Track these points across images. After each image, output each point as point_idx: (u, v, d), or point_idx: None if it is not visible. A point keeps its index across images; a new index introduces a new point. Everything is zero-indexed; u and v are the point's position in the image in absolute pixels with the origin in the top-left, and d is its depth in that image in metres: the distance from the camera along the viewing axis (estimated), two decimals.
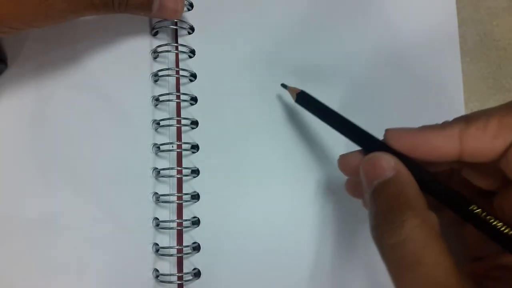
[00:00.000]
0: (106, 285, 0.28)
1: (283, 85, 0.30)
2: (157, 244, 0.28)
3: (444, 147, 0.21)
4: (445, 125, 0.22)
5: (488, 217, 0.20)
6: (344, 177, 0.26)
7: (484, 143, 0.21)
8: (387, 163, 0.21)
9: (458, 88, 0.33)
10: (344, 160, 0.25)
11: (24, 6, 0.23)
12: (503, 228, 0.20)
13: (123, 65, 0.29)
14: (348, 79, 0.32)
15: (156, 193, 0.29)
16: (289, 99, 0.30)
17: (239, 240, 0.29)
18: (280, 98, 0.31)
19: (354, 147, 0.25)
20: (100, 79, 0.29)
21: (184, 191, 0.29)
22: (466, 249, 0.24)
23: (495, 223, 0.20)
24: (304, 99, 0.28)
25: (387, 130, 0.23)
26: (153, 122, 0.29)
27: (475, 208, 0.21)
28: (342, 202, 0.30)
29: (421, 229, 0.19)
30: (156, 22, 0.30)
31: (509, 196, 0.22)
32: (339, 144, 0.29)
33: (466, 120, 0.21)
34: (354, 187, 0.26)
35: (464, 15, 0.34)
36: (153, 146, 0.29)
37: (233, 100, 0.30)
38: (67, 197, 0.28)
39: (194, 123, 0.29)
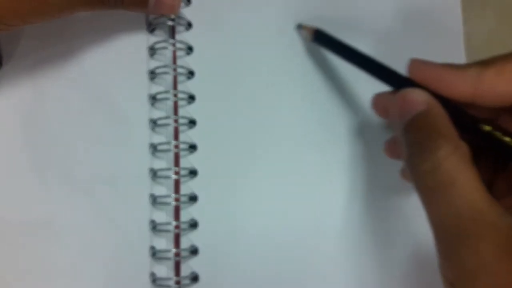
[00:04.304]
0: None
1: (299, 26, 0.29)
2: (153, 247, 0.28)
3: (459, 87, 0.22)
4: (465, 65, 0.23)
5: (497, 132, 0.22)
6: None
7: (499, 87, 0.22)
8: (419, 97, 0.22)
9: None
10: (377, 100, 0.27)
11: (20, 2, 0.24)
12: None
13: (119, 62, 0.29)
14: None
15: (152, 194, 0.28)
16: (291, 97, 0.30)
17: (238, 243, 0.29)
18: (280, 95, 0.30)
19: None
20: (96, 76, 0.29)
21: (181, 193, 0.28)
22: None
23: (504, 138, 0.21)
24: (322, 38, 0.27)
25: (411, 59, 0.24)
26: (149, 121, 0.29)
27: (485, 128, 0.22)
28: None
29: (454, 155, 0.20)
30: (153, 19, 0.29)
31: None
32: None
33: (484, 63, 0.22)
34: (392, 149, 0.27)
35: (469, 13, 0.34)
36: (150, 145, 0.29)
37: (232, 98, 0.30)
38: (62, 198, 0.28)
39: (192, 122, 0.29)
